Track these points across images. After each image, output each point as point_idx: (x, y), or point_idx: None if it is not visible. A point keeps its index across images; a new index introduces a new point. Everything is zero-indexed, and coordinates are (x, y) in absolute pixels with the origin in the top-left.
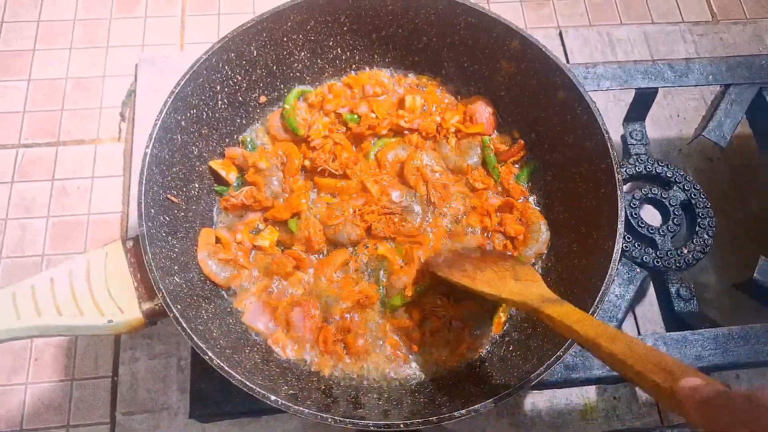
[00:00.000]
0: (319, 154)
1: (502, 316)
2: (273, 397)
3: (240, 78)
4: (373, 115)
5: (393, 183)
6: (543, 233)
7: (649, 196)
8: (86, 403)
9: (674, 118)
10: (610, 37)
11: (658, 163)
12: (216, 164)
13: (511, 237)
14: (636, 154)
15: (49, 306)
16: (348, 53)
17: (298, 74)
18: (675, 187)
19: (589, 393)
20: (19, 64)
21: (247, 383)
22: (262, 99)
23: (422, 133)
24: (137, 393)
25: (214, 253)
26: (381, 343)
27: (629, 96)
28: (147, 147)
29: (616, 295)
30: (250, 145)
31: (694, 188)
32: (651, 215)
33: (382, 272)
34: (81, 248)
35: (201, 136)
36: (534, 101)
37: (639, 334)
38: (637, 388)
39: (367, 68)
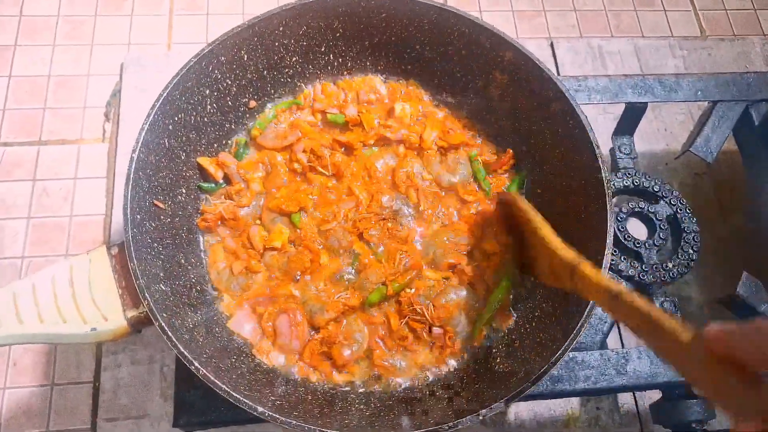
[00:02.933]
0: (309, 156)
1: (484, 328)
2: (260, 409)
3: (230, 82)
4: (357, 115)
5: (383, 189)
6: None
7: (636, 210)
8: (67, 409)
9: (661, 132)
10: (600, 50)
11: (645, 177)
12: (205, 161)
13: (488, 254)
14: (624, 168)
15: (31, 314)
16: (340, 59)
17: (289, 79)
18: (662, 202)
19: (573, 403)
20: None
21: (234, 394)
22: (252, 104)
23: (406, 143)
24: (119, 399)
25: (229, 267)
26: (366, 353)
27: (618, 108)
28: (134, 151)
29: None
30: (242, 147)
31: (680, 203)
32: (637, 229)
33: (354, 266)
34: (62, 251)
35: (189, 141)
36: (526, 113)
37: (623, 346)
38: (619, 398)
39: (360, 75)
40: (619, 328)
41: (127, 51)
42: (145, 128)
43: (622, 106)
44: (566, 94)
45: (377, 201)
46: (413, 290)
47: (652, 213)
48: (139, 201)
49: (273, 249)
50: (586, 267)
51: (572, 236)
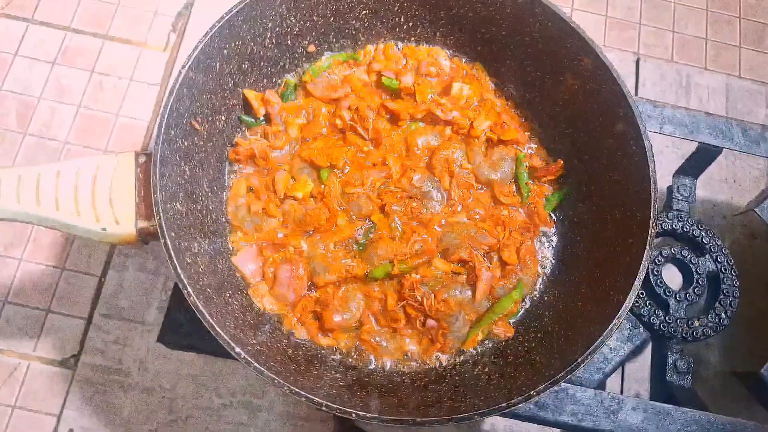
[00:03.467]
0: (352, 115)
1: (480, 334)
2: (237, 349)
3: (294, 21)
4: (412, 85)
5: (417, 167)
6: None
7: (678, 257)
8: (70, 294)
9: (729, 182)
10: (689, 80)
11: (697, 226)
12: (251, 93)
13: (504, 262)
14: (678, 210)
15: (49, 198)
16: (410, 23)
17: (353, 32)
18: (707, 256)
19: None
20: None
21: (216, 328)
22: (311, 48)
23: (454, 127)
24: (119, 299)
25: (248, 204)
26: (356, 324)
27: (689, 146)
28: (183, 66)
29: (610, 348)
30: (290, 90)
31: (727, 263)
32: (672, 276)
33: (368, 236)
34: (102, 146)
35: (240, 70)
36: (589, 126)
37: (622, 391)
38: None
39: (425, 44)
40: (623, 373)
41: None
42: (200, 47)
43: (694, 145)
44: (637, 118)
45: (408, 178)
46: (419, 276)
47: (694, 265)
48: (178, 117)
49: (294, 198)
50: None
51: (601, 266)
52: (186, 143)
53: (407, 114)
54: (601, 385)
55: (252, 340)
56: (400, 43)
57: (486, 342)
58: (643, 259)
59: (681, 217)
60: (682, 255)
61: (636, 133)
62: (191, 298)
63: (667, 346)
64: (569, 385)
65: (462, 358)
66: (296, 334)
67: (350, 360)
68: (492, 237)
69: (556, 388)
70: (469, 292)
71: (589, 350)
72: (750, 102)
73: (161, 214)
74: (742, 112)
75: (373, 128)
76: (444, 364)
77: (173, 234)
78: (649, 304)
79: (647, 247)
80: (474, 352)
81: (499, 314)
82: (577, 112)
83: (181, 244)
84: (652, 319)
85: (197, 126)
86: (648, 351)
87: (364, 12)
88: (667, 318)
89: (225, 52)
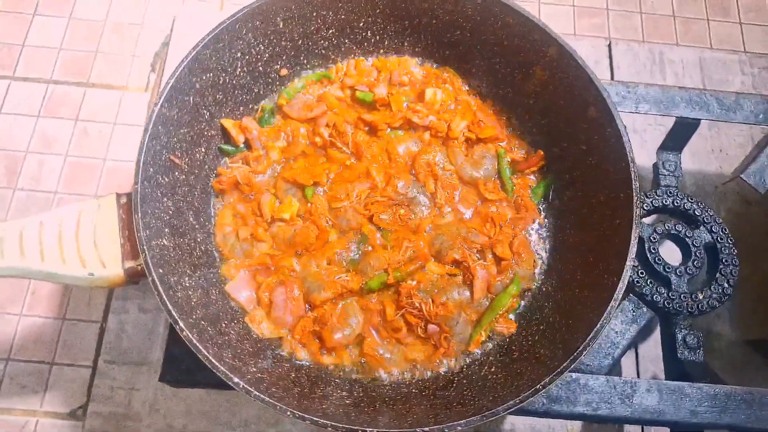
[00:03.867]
0: (331, 132)
1: (483, 333)
2: (236, 380)
3: (263, 48)
4: (386, 96)
5: (400, 174)
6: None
7: (672, 232)
8: (72, 344)
9: (716, 152)
10: (661, 57)
11: (687, 199)
12: (227, 123)
13: (498, 258)
14: (666, 186)
15: (33, 250)
16: (377, 37)
17: (323, 51)
18: (702, 227)
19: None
20: (63, 0)
21: (213, 360)
22: (283, 72)
23: (432, 131)
24: (122, 343)
25: (235, 231)
26: (358, 339)
27: (670, 122)
28: (155, 105)
29: (616, 332)
30: (267, 114)
31: (722, 231)
32: (670, 252)
33: (360, 249)
34: (92, 192)
35: (215, 101)
36: (563, 115)
37: (638, 375)
38: (626, 427)
39: (394, 55)
40: (637, 354)
41: (182, 4)
42: (170, 83)
43: (673, 119)
44: (606, 100)
45: (393, 186)
46: (415, 282)
47: (689, 238)
48: (155, 155)
49: (281, 220)
50: None
51: (594, 250)
52: (167, 179)
53: (385, 124)
54: (613, 371)
55: (252, 368)
56: (370, 57)
57: (490, 341)
58: (632, 239)
59: (670, 192)
60: (676, 230)
61: (608, 116)
62: (184, 332)
63: (674, 323)
64: (580, 374)
65: (468, 360)
66: (297, 356)
67: (355, 376)
68: (483, 235)
69: (566, 378)
70: (467, 293)
71: (589, 336)
72: (724, 71)
73: (146, 252)
74: (719, 82)
75: (353, 142)
76: (450, 368)
77: (161, 270)
78: (650, 282)
79: (634, 226)
80: (479, 352)
81: (499, 311)
82: (549, 102)
83: (170, 279)
84: (656, 297)
85: (177, 160)
86: (659, 330)
87: (331, 31)
88: (670, 294)
89: (197, 86)
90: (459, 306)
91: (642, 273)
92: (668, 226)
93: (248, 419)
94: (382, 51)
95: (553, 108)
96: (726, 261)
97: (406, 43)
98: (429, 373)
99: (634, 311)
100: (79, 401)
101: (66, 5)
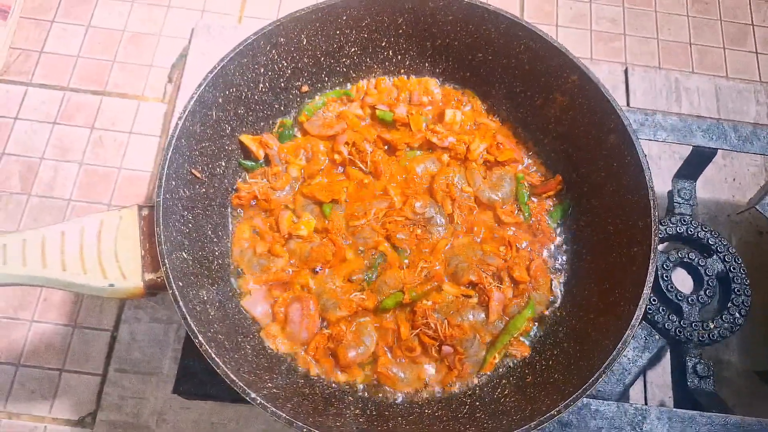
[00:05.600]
0: (350, 149)
1: (497, 356)
2: (253, 395)
3: (285, 64)
4: (406, 115)
5: (418, 194)
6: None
7: (685, 260)
8: (83, 351)
9: (729, 181)
10: (677, 84)
11: (701, 228)
12: (247, 138)
13: (515, 281)
14: (680, 214)
15: (55, 260)
16: (399, 57)
17: (344, 69)
18: (715, 256)
19: None
20: (82, 9)
21: (230, 374)
22: (305, 88)
23: (451, 152)
24: (132, 353)
25: (252, 246)
26: (372, 358)
27: (685, 149)
28: (179, 119)
29: (629, 359)
30: (288, 130)
31: (735, 261)
32: (682, 280)
33: (377, 262)
34: (107, 200)
35: (236, 116)
36: (582, 141)
37: (646, 402)
38: None
39: (415, 75)
40: (645, 381)
41: (200, 17)
42: (195, 97)
43: (690, 148)
44: (627, 128)
45: (410, 205)
46: (430, 302)
47: (702, 267)
48: (177, 168)
49: (299, 237)
50: None
51: (610, 277)
52: (188, 192)
53: (404, 144)
54: (623, 397)
55: (268, 383)
56: (391, 77)
57: (503, 364)
58: (649, 267)
59: (684, 221)
60: (689, 258)
61: (629, 143)
62: (203, 347)
63: (684, 351)
64: (591, 399)
65: (481, 381)
66: (312, 373)
67: (368, 394)
68: (498, 257)
69: (579, 404)
70: (483, 315)
71: (605, 364)
72: (740, 101)
73: (167, 265)
74: (733, 111)
75: (372, 161)
76: (463, 390)
77: (180, 283)
78: (662, 310)
79: (652, 255)
80: (492, 375)
81: (513, 333)
82: (569, 127)
83: (189, 293)
84: (667, 325)
85: (198, 174)
86: (668, 357)
87: (353, 49)
88: (681, 323)
89: (220, 100)
90: (473, 328)
91: (654, 300)
92: (681, 254)
93: None
94: (403, 71)
95: (572, 133)
96: (738, 291)
97: (427, 64)
98: (442, 394)
99: (646, 338)
100: (88, 409)
101: (85, 14)
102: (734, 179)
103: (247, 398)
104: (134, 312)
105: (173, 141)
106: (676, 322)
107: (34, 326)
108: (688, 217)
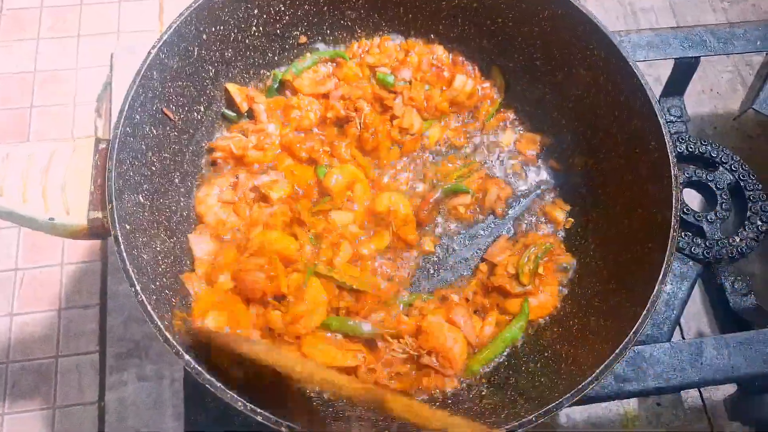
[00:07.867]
0: (345, 105)
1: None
2: (187, 357)
3: (283, 8)
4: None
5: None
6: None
7: (694, 179)
8: None
9: (707, 93)
10: (632, 7)
11: (701, 142)
12: (233, 87)
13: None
14: (676, 133)
15: None
16: (410, 15)
17: (349, 23)
18: (721, 168)
19: (629, 400)
20: None
21: (165, 332)
22: (303, 39)
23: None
24: (127, 420)
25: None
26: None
27: (663, 71)
28: (153, 47)
29: (669, 294)
30: (277, 83)
31: (743, 168)
32: (692, 201)
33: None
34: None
35: (223, 59)
36: (602, 122)
37: (683, 337)
38: (682, 392)
39: (426, 37)
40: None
41: (117, 40)
42: (173, 27)
43: (663, 67)
44: (656, 111)
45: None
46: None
47: (711, 181)
48: (145, 102)
49: (266, 200)
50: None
51: (618, 275)
52: (155, 131)
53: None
54: (671, 336)
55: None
56: (397, 38)
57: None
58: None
59: (682, 138)
60: (697, 176)
61: (655, 128)
62: (139, 296)
63: (717, 273)
64: (643, 346)
65: (463, 385)
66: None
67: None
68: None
69: (630, 353)
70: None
71: (598, 370)
72: (697, 11)
73: (114, 203)
74: (693, 23)
75: (364, 123)
76: (444, 393)
77: (128, 227)
78: (685, 235)
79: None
80: (474, 378)
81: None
82: (590, 108)
83: (138, 239)
84: (694, 250)
85: (170, 114)
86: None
87: (362, 1)
88: (707, 243)
89: (204, 36)
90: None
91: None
92: (687, 174)
93: None
94: (412, 32)
95: (592, 114)
96: (754, 198)
97: (441, 27)
98: (424, 397)
99: (681, 268)
100: None
101: None
102: (711, 89)
103: (181, 360)
104: (117, 376)
105: (142, 70)
106: (702, 245)
107: (7, 420)
108: (684, 135)
